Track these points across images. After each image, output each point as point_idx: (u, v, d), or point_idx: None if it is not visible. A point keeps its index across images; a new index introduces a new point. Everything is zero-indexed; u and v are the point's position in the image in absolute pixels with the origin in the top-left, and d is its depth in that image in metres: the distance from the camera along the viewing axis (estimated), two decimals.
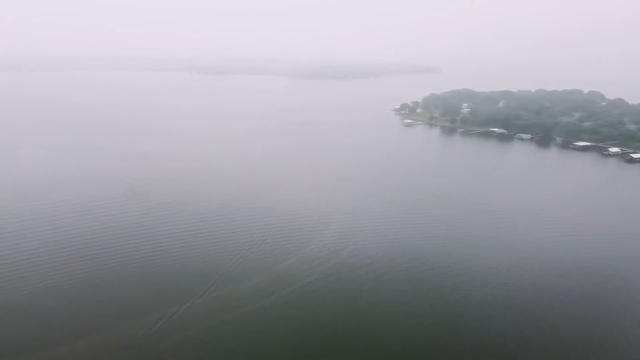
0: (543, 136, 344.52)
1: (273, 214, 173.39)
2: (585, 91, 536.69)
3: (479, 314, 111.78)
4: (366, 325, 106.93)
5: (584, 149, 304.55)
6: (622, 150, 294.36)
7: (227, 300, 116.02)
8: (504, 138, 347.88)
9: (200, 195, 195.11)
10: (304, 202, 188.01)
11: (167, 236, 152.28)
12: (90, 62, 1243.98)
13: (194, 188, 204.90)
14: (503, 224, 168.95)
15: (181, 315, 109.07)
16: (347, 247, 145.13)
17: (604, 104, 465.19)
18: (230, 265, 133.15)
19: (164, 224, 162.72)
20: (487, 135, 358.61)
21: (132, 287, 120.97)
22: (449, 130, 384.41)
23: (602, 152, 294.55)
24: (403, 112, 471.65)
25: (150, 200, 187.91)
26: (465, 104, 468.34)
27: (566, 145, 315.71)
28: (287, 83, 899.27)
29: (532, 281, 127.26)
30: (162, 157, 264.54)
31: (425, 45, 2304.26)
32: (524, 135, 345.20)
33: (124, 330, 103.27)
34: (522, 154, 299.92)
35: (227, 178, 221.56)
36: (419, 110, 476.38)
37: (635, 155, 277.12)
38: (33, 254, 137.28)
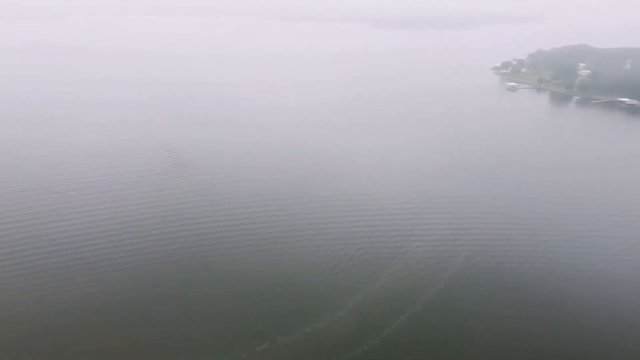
0: None
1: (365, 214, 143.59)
2: None
3: None
4: None
5: None
6: None
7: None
8: (636, 111, 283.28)
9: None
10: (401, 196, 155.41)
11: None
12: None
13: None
14: None
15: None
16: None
17: None
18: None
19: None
20: (613, 105, 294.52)
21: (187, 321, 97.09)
22: (562, 98, 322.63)
23: None
24: (504, 71, 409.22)
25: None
26: (583, 64, 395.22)
27: None
28: (365, 33, 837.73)
29: None
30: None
31: None
32: None
33: None
34: None
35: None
36: (523, 70, 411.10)
37: None
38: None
